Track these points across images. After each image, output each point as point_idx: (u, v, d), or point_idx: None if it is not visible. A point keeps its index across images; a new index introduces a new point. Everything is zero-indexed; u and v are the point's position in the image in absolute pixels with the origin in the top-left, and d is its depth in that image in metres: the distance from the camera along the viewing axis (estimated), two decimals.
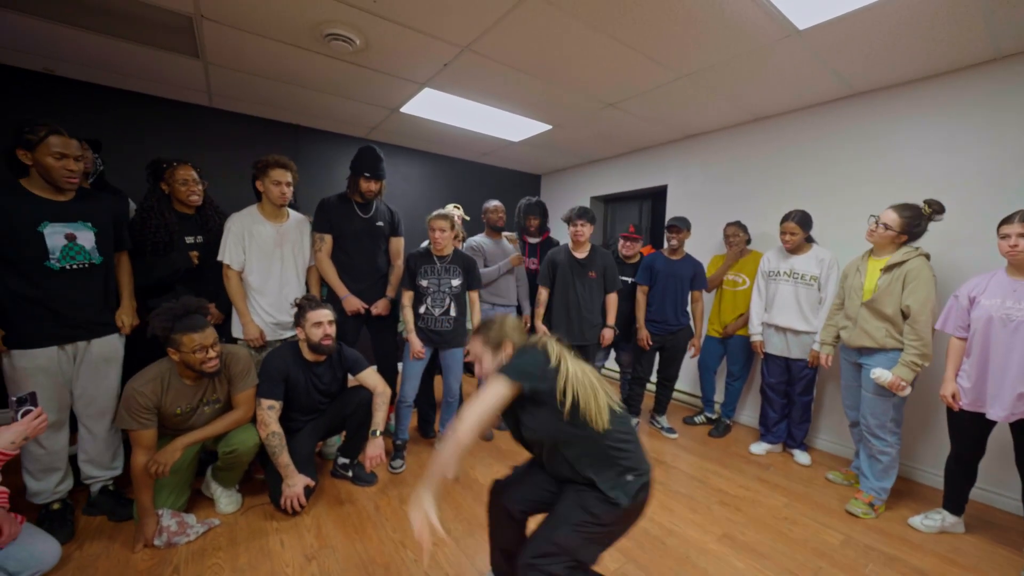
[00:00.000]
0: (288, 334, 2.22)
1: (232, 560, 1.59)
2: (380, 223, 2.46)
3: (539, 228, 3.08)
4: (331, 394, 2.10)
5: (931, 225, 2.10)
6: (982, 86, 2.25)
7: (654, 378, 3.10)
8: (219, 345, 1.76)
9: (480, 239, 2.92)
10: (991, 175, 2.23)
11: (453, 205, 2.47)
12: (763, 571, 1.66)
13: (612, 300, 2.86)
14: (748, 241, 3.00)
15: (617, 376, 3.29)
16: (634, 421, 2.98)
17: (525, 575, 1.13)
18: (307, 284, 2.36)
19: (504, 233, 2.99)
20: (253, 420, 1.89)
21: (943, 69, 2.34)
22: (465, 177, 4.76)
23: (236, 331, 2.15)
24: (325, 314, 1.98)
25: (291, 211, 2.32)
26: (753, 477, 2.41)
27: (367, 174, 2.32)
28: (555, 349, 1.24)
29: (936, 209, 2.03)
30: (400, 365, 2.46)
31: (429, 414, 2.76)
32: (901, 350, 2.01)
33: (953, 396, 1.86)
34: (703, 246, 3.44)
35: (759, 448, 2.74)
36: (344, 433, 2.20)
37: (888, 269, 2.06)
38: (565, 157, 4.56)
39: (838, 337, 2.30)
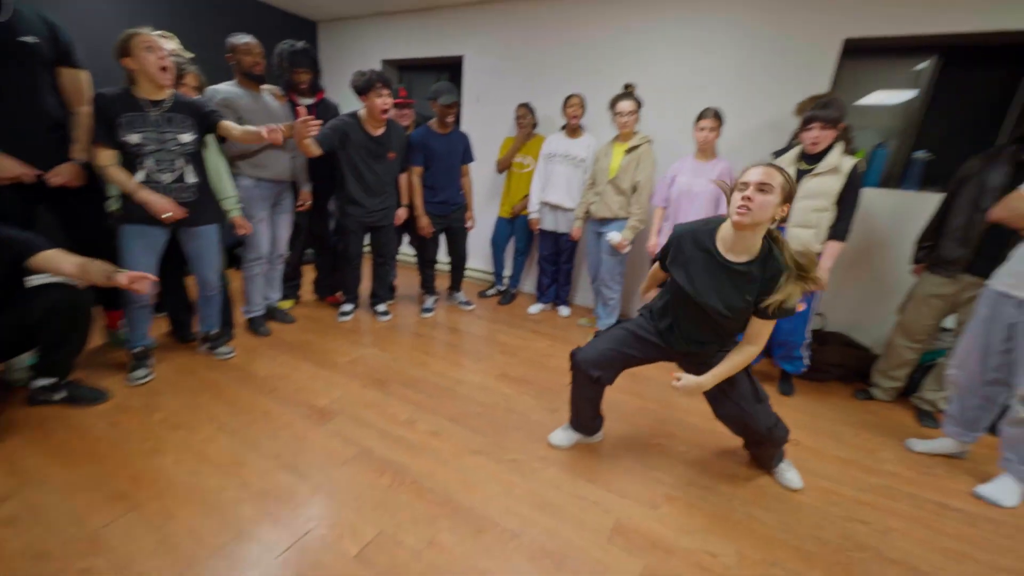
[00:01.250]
0: None
1: None
2: (29, 39, 1.57)
3: (312, 85, 2.51)
4: None
5: (659, 121, 2.66)
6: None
7: (445, 259, 3.15)
8: None
9: (229, 89, 2.16)
10: (698, 81, 2.86)
11: (160, 34, 1.72)
12: (527, 392, 2.10)
13: (404, 180, 2.72)
14: (535, 124, 3.17)
15: (413, 260, 3.28)
16: (432, 300, 3.11)
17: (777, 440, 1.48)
18: None
19: (265, 87, 2.30)
20: None
21: None
22: (194, 6, 3.43)
23: None
24: None
25: None
26: (528, 331, 2.91)
27: None
28: None
29: (631, 85, 2.61)
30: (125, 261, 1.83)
31: (184, 317, 2.25)
32: (627, 219, 2.58)
33: (654, 247, 2.55)
34: (496, 127, 3.50)
35: (535, 308, 3.29)
36: (38, 349, 1.60)
37: (629, 151, 2.52)
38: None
39: (588, 212, 2.78)
